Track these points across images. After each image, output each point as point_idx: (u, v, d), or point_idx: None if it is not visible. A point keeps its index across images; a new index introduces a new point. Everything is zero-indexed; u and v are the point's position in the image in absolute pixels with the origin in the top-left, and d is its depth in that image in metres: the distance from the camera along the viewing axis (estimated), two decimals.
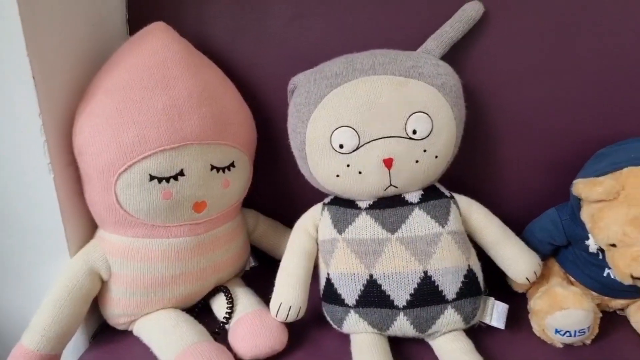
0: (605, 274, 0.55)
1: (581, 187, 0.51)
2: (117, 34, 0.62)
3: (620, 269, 0.50)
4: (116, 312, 0.55)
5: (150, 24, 0.55)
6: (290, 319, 0.54)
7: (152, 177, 0.50)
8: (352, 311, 0.54)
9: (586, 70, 0.59)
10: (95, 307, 0.56)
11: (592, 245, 0.55)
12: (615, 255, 0.50)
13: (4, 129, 0.48)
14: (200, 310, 0.60)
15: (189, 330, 0.52)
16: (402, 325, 0.53)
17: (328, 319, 0.57)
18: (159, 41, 0.53)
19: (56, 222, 0.52)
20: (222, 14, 0.64)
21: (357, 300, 0.53)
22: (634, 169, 0.50)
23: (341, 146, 0.53)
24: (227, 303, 0.58)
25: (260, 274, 0.66)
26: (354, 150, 0.53)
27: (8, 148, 0.49)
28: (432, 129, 0.53)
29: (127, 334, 0.57)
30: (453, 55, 0.59)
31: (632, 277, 0.49)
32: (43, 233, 0.53)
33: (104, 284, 0.55)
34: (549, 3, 0.59)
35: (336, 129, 0.53)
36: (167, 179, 0.51)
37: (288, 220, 0.65)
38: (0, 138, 0.49)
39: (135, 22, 0.64)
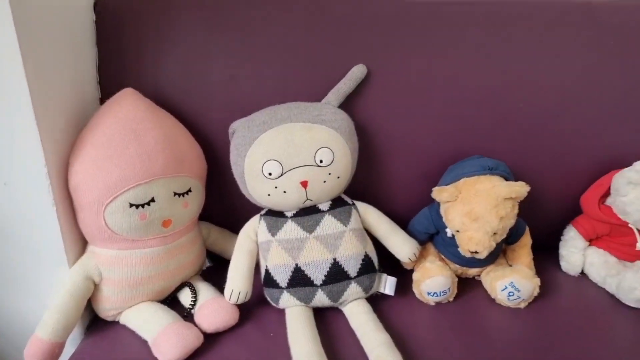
0: (461, 252, 0.68)
1: (435, 193, 0.68)
2: (90, 94, 0.73)
3: (462, 247, 0.67)
4: (106, 307, 0.66)
5: (121, 89, 0.67)
6: (240, 301, 0.67)
7: (131, 205, 0.62)
8: (284, 291, 0.67)
9: (441, 110, 0.75)
10: (88, 304, 0.65)
11: (449, 232, 0.70)
12: (459, 237, 0.68)
13: (19, 176, 0.60)
14: (170, 302, 0.70)
15: (165, 314, 0.64)
16: (321, 298, 0.67)
17: (268, 299, 0.69)
18: (129, 103, 0.65)
19: (58, 242, 0.63)
20: (175, 77, 0.73)
21: (287, 283, 0.67)
22: (467, 179, 0.68)
23: (270, 174, 0.65)
24: (192, 294, 0.69)
25: (214, 272, 0.76)
26: (279, 177, 0.66)
27: (21, 189, 0.61)
28: (333, 159, 0.67)
29: (114, 323, 0.67)
30: (348, 103, 0.73)
31: (470, 252, 0.66)
32: (47, 251, 0.64)
33: (96, 286, 0.65)
34: (410, 66, 0.74)
35: (266, 162, 0.65)
36: (143, 205, 0.62)
37: (234, 229, 0.75)
38: (16, 182, 0.61)
39: (105, 84, 0.74)
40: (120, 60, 0.74)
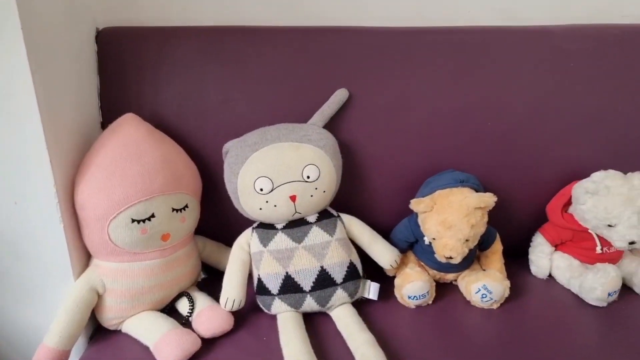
0: (437, 257, 0.73)
1: (413, 204, 0.74)
2: (93, 119, 0.77)
3: (438, 253, 0.72)
4: (109, 317, 0.70)
5: (121, 114, 0.71)
6: (235, 308, 0.70)
7: (133, 220, 0.66)
8: (276, 298, 0.71)
9: (417, 129, 0.81)
10: (91, 314, 0.68)
11: (426, 240, 0.76)
12: (435, 244, 0.73)
13: (29, 195, 0.65)
14: (169, 310, 0.74)
15: (165, 322, 0.68)
16: (310, 304, 0.71)
17: (260, 306, 0.73)
18: (131, 127, 0.70)
19: (64, 257, 0.68)
20: (172, 102, 0.78)
21: (279, 290, 0.71)
22: (441, 192, 0.74)
23: (261, 189, 0.70)
24: (189, 302, 0.73)
25: (209, 283, 0.80)
26: (270, 192, 0.70)
27: (31, 207, 0.66)
28: (319, 175, 0.71)
29: (117, 332, 0.71)
30: (332, 124, 0.78)
31: (445, 257, 0.72)
32: (55, 264, 0.68)
33: (100, 297, 0.69)
34: (388, 89, 0.80)
35: (257, 178, 0.70)
36: (144, 220, 0.66)
37: (228, 242, 0.78)
38: (26, 201, 0.65)
39: (106, 109, 0.79)
40: (120, 87, 0.79)
